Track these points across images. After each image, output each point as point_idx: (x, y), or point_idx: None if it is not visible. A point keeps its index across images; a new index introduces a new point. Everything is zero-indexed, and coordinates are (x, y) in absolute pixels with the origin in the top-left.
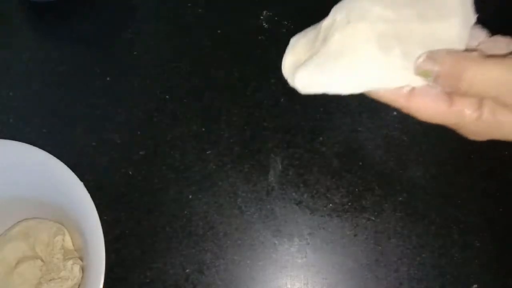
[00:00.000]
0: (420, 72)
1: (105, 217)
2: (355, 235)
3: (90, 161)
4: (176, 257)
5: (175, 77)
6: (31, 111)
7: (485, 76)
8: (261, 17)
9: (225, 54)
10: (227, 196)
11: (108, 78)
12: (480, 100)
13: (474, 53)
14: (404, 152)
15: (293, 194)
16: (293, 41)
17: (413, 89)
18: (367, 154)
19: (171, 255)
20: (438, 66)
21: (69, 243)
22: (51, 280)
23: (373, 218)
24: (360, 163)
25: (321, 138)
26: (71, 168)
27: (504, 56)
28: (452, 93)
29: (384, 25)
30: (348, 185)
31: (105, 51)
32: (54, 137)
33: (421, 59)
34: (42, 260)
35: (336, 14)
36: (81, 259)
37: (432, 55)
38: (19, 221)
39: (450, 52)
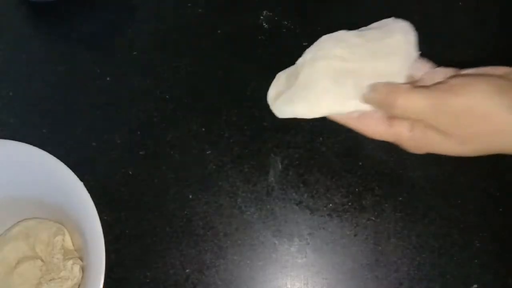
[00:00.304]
0: (365, 100)
1: (105, 217)
2: (355, 235)
3: (90, 161)
4: (176, 257)
5: (175, 77)
6: (31, 111)
7: (412, 103)
8: (261, 17)
9: (225, 54)
10: (227, 196)
11: (108, 78)
12: (413, 122)
13: (405, 85)
14: (404, 152)
15: (293, 194)
16: (277, 76)
17: (362, 113)
18: (367, 154)
19: (171, 255)
20: (377, 95)
21: (69, 243)
22: (51, 280)
23: (373, 218)
24: (360, 163)
25: (321, 138)
26: (71, 168)
27: (436, 83)
28: (392, 117)
29: (341, 63)
30: (348, 185)
31: (105, 51)
32: (54, 137)
33: (366, 90)
34: (42, 260)
35: (307, 54)
36: (81, 259)
37: (373, 87)
38: (19, 221)
39: (387, 84)
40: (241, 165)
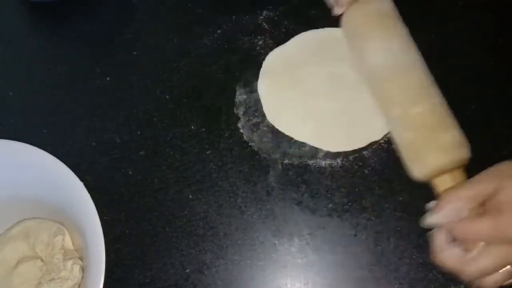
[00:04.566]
0: None
1: (105, 217)
2: (355, 235)
3: (90, 161)
4: (176, 257)
5: (175, 77)
6: (31, 111)
7: None
8: (261, 17)
9: (225, 54)
10: (227, 196)
11: (108, 78)
12: None
13: None
14: None
15: (293, 194)
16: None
17: None
18: (367, 154)
19: (171, 255)
20: None
21: (69, 243)
22: (51, 280)
23: (373, 218)
24: (360, 163)
25: None
26: (71, 168)
27: None
28: None
29: None
30: (348, 185)
31: (105, 51)
32: (54, 137)
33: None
34: (42, 260)
35: None
36: (81, 259)
37: None
38: (19, 221)
39: None
40: (241, 165)
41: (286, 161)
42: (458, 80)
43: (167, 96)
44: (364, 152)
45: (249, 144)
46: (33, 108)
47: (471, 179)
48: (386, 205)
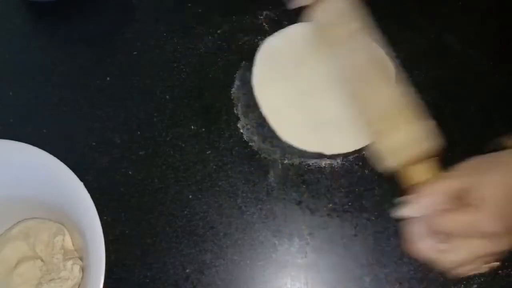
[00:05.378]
0: None
1: (105, 217)
2: (355, 235)
3: (90, 161)
4: (176, 257)
5: (175, 77)
6: (31, 111)
7: None
8: (261, 17)
9: (225, 54)
10: (227, 196)
11: (108, 78)
12: None
13: None
14: None
15: (293, 194)
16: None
17: None
18: (367, 154)
19: (171, 255)
20: None
21: (69, 243)
22: (51, 280)
23: (373, 218)
24: (360, 163)
25: None
26: (71, 168)
27: None
28: None
29: None
30: (348, 185)
31: (105, 51)
32: (54, 137)
33: None
34: (42, 260)
35: None
36: (81, 259)
37: None
38: (19, 221)
39: None
40: (241, 165)
41: (286, 161)
42: (458, 80)
43: (167, 96)
44: (364, 152)
45: (249, 144)
46: (33, 108)
47: (448, 173)
48: (386, 205)
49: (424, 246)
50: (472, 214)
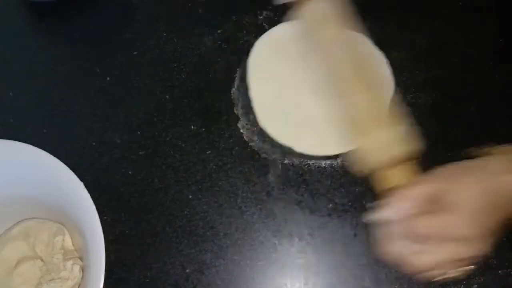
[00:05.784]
0: None
1: (105, 217)
2: (355, 235)
3: (90, 161)
4: (176, 257)
5: (175, 77)
6: (31, 111)
7: None
8: (261, 17)
9: (225, 54)
10: (227, 196)
11: (108, 78)
12: None
13: None
14: None
15: (293, 194)
16: None
17: None
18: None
19: (171, 255)
20: None
21: (69, 243)
22: (51, 280)
23: None
24: None
25: None
26: (71, 168)
27: None
28: None
29: None
30: (348, 185)
31: (105, 51)
32: (54, 137)
33: None
34: (42, 260)
35: None
36: (81, 259)
37: None
38: (19, 221)
39: None
40: (241, 165)
41: (286, 161)
42: (458, 80)
43: (167, 96)
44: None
45: (249, 144)
46: (33, 108)
47: (423, 177)
48: None
49: (397, 248)
50: (446, 218)
